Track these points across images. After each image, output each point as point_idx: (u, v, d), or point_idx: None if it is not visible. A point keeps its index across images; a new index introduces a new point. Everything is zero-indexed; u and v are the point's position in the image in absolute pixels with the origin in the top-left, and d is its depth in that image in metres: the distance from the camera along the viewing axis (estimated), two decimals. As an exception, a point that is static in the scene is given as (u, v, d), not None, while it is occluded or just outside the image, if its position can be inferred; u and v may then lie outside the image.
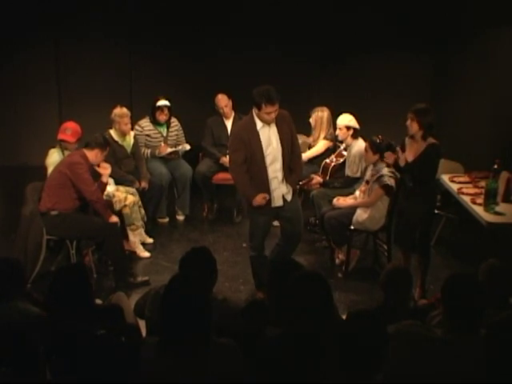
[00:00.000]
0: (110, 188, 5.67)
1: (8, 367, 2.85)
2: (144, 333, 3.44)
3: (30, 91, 7.83)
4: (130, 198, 5.81)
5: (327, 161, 6.14)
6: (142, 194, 6.19)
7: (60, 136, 5.57)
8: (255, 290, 5.05)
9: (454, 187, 5.66)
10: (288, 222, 4.86)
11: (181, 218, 6.87)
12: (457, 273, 2.94)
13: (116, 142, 6.12)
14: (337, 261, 5.71)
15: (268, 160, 4.62)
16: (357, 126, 5.84)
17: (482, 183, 5.42)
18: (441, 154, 4.81)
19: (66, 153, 5.53)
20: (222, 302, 3.33)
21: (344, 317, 3.23)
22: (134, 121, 6.85)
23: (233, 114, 6.86)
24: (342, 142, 6.09)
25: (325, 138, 6.36)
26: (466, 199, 5.31)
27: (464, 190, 5.50)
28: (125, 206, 5.74)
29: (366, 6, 7.38)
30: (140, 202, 6.01)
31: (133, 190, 6.03)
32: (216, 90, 6.84)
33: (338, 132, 5.91)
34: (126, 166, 6.22)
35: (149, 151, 6.57)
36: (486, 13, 6.49)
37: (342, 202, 5.49)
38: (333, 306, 2.97)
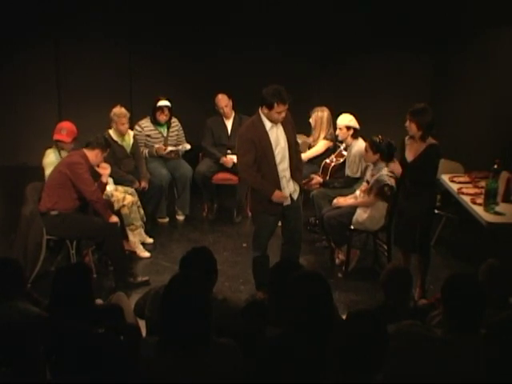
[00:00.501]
0: (109, 188, 5.67)
1: (8, 367, 2.86)
2: (144, 333, 3.44)
3: (30, 91, 7.83)
4: (129, 198, 5.81)
5: (327, 161, 6.14)
6: (141, 193, 6.19)
7: (56, 136, 5.57)
8: (255, 290, 5.04)
9: (454, 187, 5.66)
10: (290, 220, 4.87)
11: (181, 218, 6.87)
12: (457, 273, 2.94)
13: (115, 141, 6.12)
14: (337, 261, 5.71)
15: (277, 159, 4.67)
16: (357, 126, 5.84)
17: (482, 183, 5.42)
18: (440, 155, 4.82)
19: (63, 153, 5.54)
20: (222, 302, 3.32)
21: (344, 317, 3.23)
22: (134, 121, 6.86)
23: (233, 114, 6.86)
24: (342, 142, 6.09)
25: (325, 137, 6.36)
26: (466, 199, 5.31)
27: (464, 190, 5.50)
28: (123, 206, 5.74)
29: (366, 6, 7.38)
30: (139, 202, 6.02)
31: (131, 190, 6.03)
32: (216, 90, 6.85)
33: (338, 132, 5.91)
34: (126, 166, 6.22)
35: (146, 151, 6.57)
36: (486, 13, 6.49)
37: (341, 201, 5.49)
38: (333, 306, 2.97)
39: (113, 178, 5.84)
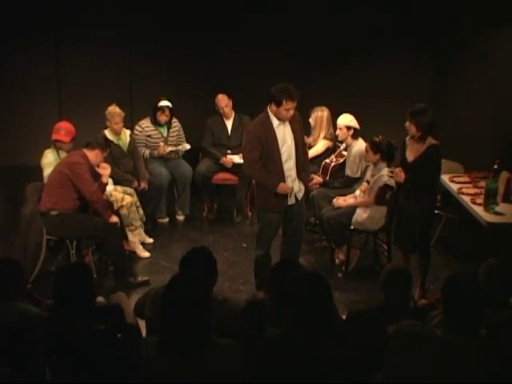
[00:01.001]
0: (108, 188, 5.66)
1: (8, 367, 2.86)
2: (144, 333, 3.44)
3: (30, 91, 7.83)
4: (127, 199, 5.81)
5: (327, 161, 6.14)
6: (141, 194, 6.19)
7: (54, 136, 5.57)
8: (255, 290, 5.04)
9: (454, 187, 5.66)
10: (293, 220, 4.88)
11: (181, 218, 6.87)
12: (457, 273, 2.94)
13: (111, 141, 6.09)
14: (337, 261, 5.71)
15: (283, 158, 4.68)
16: (357, 126, 5.84)
17: (482, 183, 5.42)
18: (441, 155, 4.81)
19: (61, 153, 5.54)
20: (222, 302, 3.32)
21: (344, 317, 3.23)
22: (135, 121, 6.86)
23: (233, 114, 6.86)
24: (342, 142, 6.09)
25: (324, 137, 6.35)
26: (466, 199, 5.31)
27: (464, 190, 5.50)
28: (122, 206, 5.74)
29: (366, 6, 7.38)
30: (138, 203, 6.02)
31: (130, 190, 6.03)
32: (216, 90, 6.85)
33: (338, 132, 5.91)
34: (125, 166, 6.21)
35: (147, 152, 6.57)
36: (486, 13, 6.49)
37: (341, 201, 5.50)
38: (333, 305, 2.97)
39: (112, 178, 5.84)
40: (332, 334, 2.60)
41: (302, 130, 4.86)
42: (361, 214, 5.30)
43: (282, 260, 4.33)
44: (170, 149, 6.61)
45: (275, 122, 4.62)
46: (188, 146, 6.78)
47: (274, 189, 4.67)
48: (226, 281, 5.29)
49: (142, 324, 3.55)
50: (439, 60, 7.56)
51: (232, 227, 6.66)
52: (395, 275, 3.58)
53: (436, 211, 5.35)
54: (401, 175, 4.75)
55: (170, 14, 7.52)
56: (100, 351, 2.89)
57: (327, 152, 6.34)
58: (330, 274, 5.48)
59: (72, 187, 5.12)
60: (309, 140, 6.51)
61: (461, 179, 5.84)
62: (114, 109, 6.13)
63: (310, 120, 6.38)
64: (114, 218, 5.28)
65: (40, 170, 5.59)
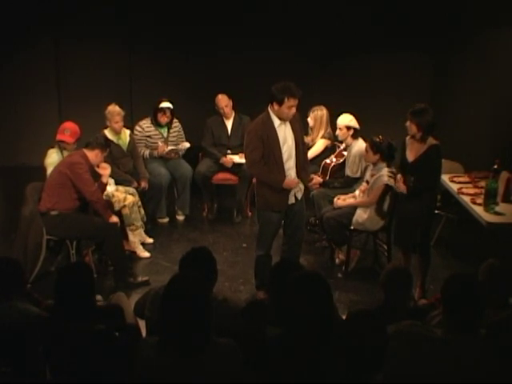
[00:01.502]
0: (110, 188, 5.67)
1: (8, 367, 2.86)
2: (144, 333, 3.44)
3: (30, 91, 7.83)
4: (130, 199, 5.81)
5: (327, 161, 6.13)
6: (141, 194, 6.19)
7: (59, 137, 5.57)
8: (255, 290, 5.04)
9: (454, 187, 5.66)
10: (293, 219, 4.88)
11: (181, 218, 6.87)
12: (457, 273, 2.93)
13: (111, 141, 6.09)
14: (337, 261, 5.71)
15: (284, 157, 4.69)
16: (357, 126, 5.84)
17: (482, 183, 5.42)
18: (441, 155, 4.80)
19: (65, 153, 5.53)
20: (222, 302, 3.32)
21: (344, 317, 3.23)
22: (135, 121, 6.86)
23: (233, 114, 6.86)
24: (341, 142, 6.09)
25: (323, 136, 6.35)
26: (466, 199, 5.31)
27: (464, 190, 5.50)
28: (124, 206, 5.74)
29: (366, 6, 7.38)
30: (139, 202, 6.02)
31: (132, 190, 6.03)
32: (216, 90, 6.85)
33: (338, 132, 5.91)
34: (125, 166, 6.21)
35: (147, 152, 6.57)
36: (486, 13, 6.49)
37: (341, 202, 5.49)
38: (333, 305, 2.97)
39: (113, 178, 5.84)
40: (332, 334, 2.59)
41: (301, 130, 4.87)
42: (361, 215, 5.30)
43: (282, 260, 4.32)
44: (169, 148, 6.61)
45: (276, 121, 4.62)
46: (187, 145, 6.78)
47: (280, 185, 4.67)
48: (226, 281, 5.29)
49: (141, 324, 3.55)
50: (439, 60, 7.56)
51: (232, 227, 6.66)
52: (395, 275, 3.58)
53: (436, 211, 5.35)
54: (402, 187, 4.76)
55: (170, 13, 7.52)
56: (100, 351, 2.89)
57: (326, 151, 6.34)
58: (330, 274, 5.48)
59: (72, 187, 5.12)
60: (307, 139, 6.50)
61: (461, 179, 5.84)
62: (113, 108, 6.14)
63: (309, 119, 6.37)
64: (114, 218, 5.28)
65: (44, 169, 5.58)
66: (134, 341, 2.88)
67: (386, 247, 5.47)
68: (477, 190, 5.45)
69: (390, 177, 5.14)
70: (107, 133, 6.11)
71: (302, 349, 2.61)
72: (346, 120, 5.83)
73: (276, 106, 4.56)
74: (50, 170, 5.47)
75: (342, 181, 5.91)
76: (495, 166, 5.10)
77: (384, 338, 2.47)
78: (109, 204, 5.48)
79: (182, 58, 7.70)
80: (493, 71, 6.54)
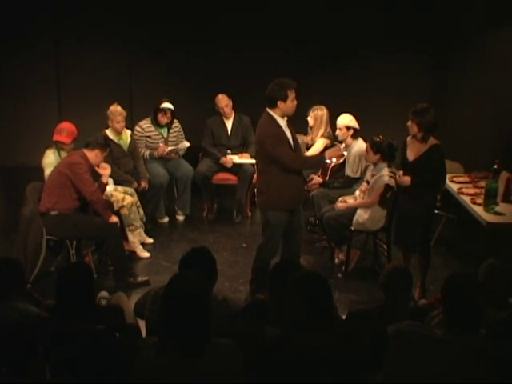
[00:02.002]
0: (109, 188, 5.66)
1: (8, 367, 2.86)
2: (144, 333, 3.44)
3: (30, 91, 7.83)
4: (128, 199, 5.81)
5: (327, 161, 6.12)
6: (141, 194, 6.19)
7: (55, 137, 5.57)
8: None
9: (454, 187, 5.66)
10: (294, 219, 4.86)
11: (181, 218, 6.87)
12: (457, 273, 2.94)
13: (112, 140, 6.09)
14: (337, 261, 5.71)
15: None
16: (357, 126, 5.84)
17: (482, 183, 5.42)
18: (444, 155, 4.78)
19: (62, 153, 5.54)
20: (222, 302, 3.32)
21: (344, 317, 3.23)
22: (135, 121, 6.86)
23: (233, 114, 6.87)
24: (341, 142, 6.09)
25: (322, 136, 6.35)
26: (466, 199, 5.31)
27: (464, 190, 5.50)
28: (122, 206, 5.74)
29: (365, 6, 7.38)
30: (139, 203, 6.02)
31: (131, 190, 6.03)
32: (216, 90, 6.85)
33: (337, 132, 5.91)
34: (125, 166, 6.22)
35: (147, 152, 6.57)
36: (486, 13, 6.48)
37: (341, 205, 5.45)
38: (333, 305, 2.97)
39: (112, 178, 5.84)
40: (332, 334, 2.59)
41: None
42: (361, 215, 5.30)
43: (282, 260, 4.32)
44: (169, 148, 6.61)
45: (280, 122, 4.62)
46: (187, 144, 6.79)
47: (324, 160, 4.92)
48: (226, 281, 5.29)
49: (141, 324, 3.55)
50: (439, 60, 7.56)
51: (232, 227, 6.66)
52: (395, 275, 3.58)
53: (436, 211, 5.35)
54: (406, 179, 4.75)
55: (170, 13, 7.51)
56: (100, 351, 2.89)
57: (325, 151, 6.33)
58: (330, 273, 5.48)
59: (72, 187, 5.12)
60: (307, 139, 6.51)
61: (461, 179, 5.83)
62: (115, 108, 6.14)
63: (309, 119, 6.37)
64: (114, 218, 5.28)
65: (41, 169, 5.58)
66: (134, 341, 2.88)
67: (385, 247, 5.47)
68: (477, 190, 5.45)
69: (390, 177, 5.14)
70: (108, 133, 6.11)
71: (302, 349, 2.61)
72: (346, 120, 5.83)
73: (281, 105, 4.53)
74: (47, 171, 5.47)
75: (341, 181, 5.91)
76: (495, 166, 5.10)
77: (384, 337, 2.47)
78: (109, 204, 5.48)
79: (182, 58, 7.70)
80: (493, 71, 6.54)
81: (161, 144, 6.61)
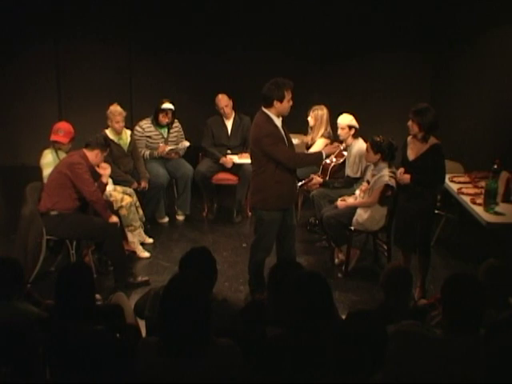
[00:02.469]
0: (108, 188, 5.66)
1: (8, 367, 2.85)
2: (144, 333, 3.44)
3: (30, 91, 7.83)
4: (127, 199, 5.81)
5: (327, 161, 6.12)
6: (141, 194, 6.19)
7: (53, 137, 5.57)
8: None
9: (454, 187, 5.66)
10: (287, 218, 4.86)
11: (181, 218, 6.87)
12: (457, 273, 2.93)
13: (112, 140, 6.09)
14: (337, 261, 5.71)
15: None
16: (357, 125, 5.85)
17: (482, 183, 5.42)
18: (443, 154, 4.79)
19: (60, 153, 5.54)
20: (222, 302, 3.32)
21: (344, 317, 3.23)
22: (135, 121, 6.86)
23: (233, 114, 6.87)
24: (341, 142, 6.09)
25: (322, 135, 6.35)
26: (466, 199, 5.31)
27: (464, 190, 5.50)
28: (121, 206, 5.73)
29: (365, 6, 7.38)
30: (138, 203, 6.01)
31: (130, 190, 6.03)
32: (216, 90, 6.85)
33: (339, 131, 5.89)
34: (125, 166, 6.22)
35: (148, 152, 6.57)
36: (486, 13, 6.48)
37: (343, 203, 5.46)
38: (333, 306, 2.97)
39: (112, 178, 5.84)
40: (332, 334, 2.59)
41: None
42: (361, 215, 5.30)
43: (282, 260, 4.32)
44: (169, 147, 6.61)
45: (276, 122, 4.62)
46: (187, 144, 6.78)
47: (322, 157, 4.86)
48: (226, 281, 5.29)
49: (141, 324, 3.55)
50: (439, 60, 7.56)
51: (232, 227, 6.66)
52: (395, 275, 3.58)
53: (436, 211, 5.35)
54: (406, 177, 4.74)
55: (170, 13, 7.52)
56: (100, 351, 2.89)
57: (326, 150, 6.34)
58: (330, 273, 5.48)
59: (72, 187, 5.12)
60: (307, 139, 6.52)
61: (461, 179, 5.83)
62: (115, 108, 6.14)
63: (309, 119, 6.38)
64: (114, 218, 5.28)
65: (40, 170, 5.58)
66: (134, 341, 2.88)
67: (385, 247, 5.47)
68: (477, 190, 5.45)
69: (390, 177, 5.14)
70: (108, 132, 6.11)
71: (302, 349, 2.61)
72: (348, 119, 5.84)
73: (277, 104, 4.52)
74: (45, 171, 5.48)
75: (342, 181, 5.91)
76: (495, 166, 5.09)
77: (384, 337, 2.47)
78: (108, 204, 5.48)
79: (182, 58, 7.70)
80: (493, 71, 6.54)
81: (161, 144, 6.61)
